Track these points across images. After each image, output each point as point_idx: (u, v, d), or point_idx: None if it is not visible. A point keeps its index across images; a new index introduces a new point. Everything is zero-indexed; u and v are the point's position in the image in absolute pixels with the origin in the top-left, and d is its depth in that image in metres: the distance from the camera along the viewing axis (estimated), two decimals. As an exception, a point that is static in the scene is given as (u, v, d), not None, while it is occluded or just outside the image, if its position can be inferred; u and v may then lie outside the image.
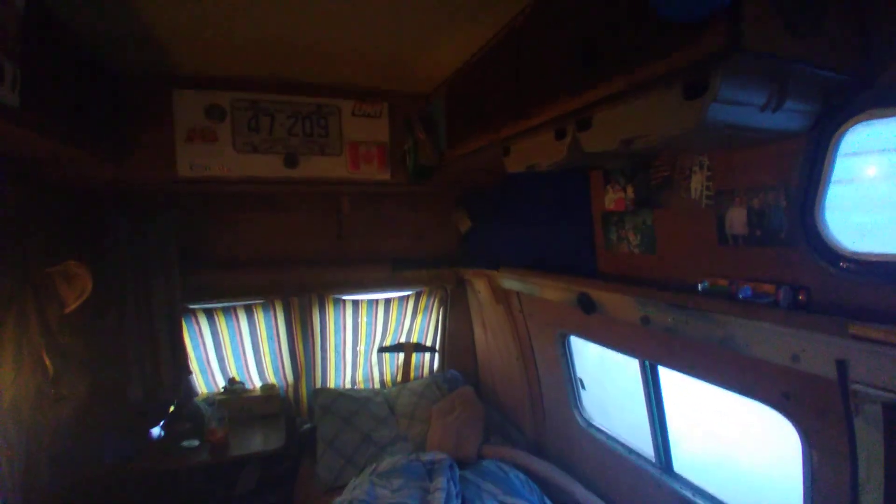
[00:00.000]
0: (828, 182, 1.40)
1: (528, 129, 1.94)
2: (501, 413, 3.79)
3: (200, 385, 3.60)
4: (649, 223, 2.07)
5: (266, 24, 2.07)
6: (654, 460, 2.42)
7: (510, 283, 3.16)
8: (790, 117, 1.35)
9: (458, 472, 2.78)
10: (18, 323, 2.12)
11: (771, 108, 1.29)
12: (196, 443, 3.10)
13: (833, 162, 1.39)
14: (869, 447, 1.29)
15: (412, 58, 2.49)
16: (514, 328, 3.44)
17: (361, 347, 3.95)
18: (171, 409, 3.28)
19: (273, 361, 3.72)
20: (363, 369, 4.00)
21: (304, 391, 3.77)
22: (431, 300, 4.09)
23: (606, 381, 2.95)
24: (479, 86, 2.37)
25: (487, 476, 2.74)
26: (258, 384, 3.69)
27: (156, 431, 3.19)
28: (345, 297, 3.80)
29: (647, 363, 2.36)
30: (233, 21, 2.02)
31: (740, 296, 1.57)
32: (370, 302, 3.89)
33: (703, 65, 1.18)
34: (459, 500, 2.53)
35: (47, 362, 2.25)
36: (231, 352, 3.62)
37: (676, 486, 2.23)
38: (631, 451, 2.57)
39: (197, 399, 3.43)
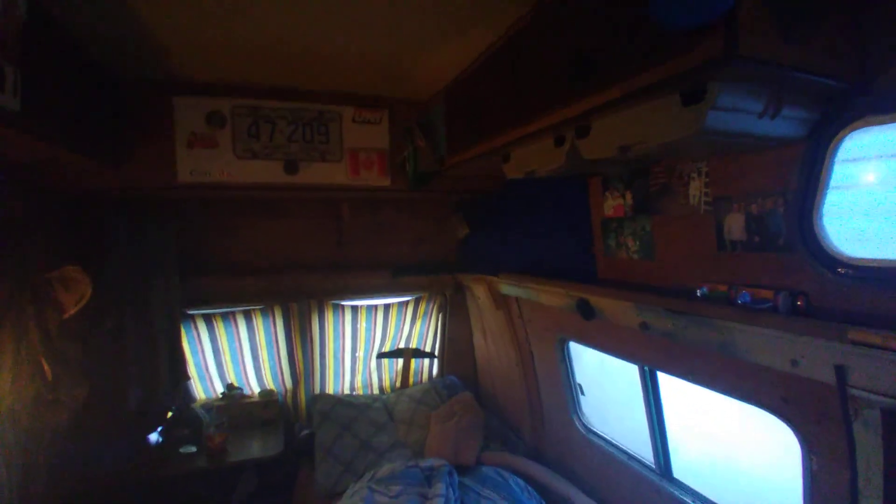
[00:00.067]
0: (826, 188, 1.41)
1: (527, 135, 1.94)
2: (501, 419, 3.78)
3: (199, 391, 3.58)
4: (648, 229, 2.08)
5: (266, 26, 2.08)
6: (653, 466, 2.41)
7: (510, 288, 3.15)
8: (788, 124, 1.37)
9: (457, 478, 2.76)
10: (17, 328, 2.11)
11: (769, 114, 1.30)
12: (194, 449, 3.09)
13: (831, 168, 1.40)
14: (868, 452, 1.29)
15: (412, 64, 2.51)
16: (514, 334, 3.43)
17: (360, 353, 3.94)
18: (170, 414, 3.26)
19: (272, 367, 3.71)
20: (362, 375, 3.99)
21: (302, 397, 3.75)
22: (431, 306, 4.09)
23: (606, 386, 2.94)
24: (479, 92, 2.38)
25: (486, 482, 2.73)
26: (257, 390, 3.68)
27: (154, 437, 3.17)
28: (344, 303, 3.80)
29: (646, 369, 2.36)
30: (232, 22, 2.03)
31: (739, 301, 1.57)
32: (369, 307, 3.88)
33: (700, 72, 1.18)
34: (458, 507, 2.51)
35: (46, 367, 2.23)
36: (230, 357, 3.60)
37: (676, 491, 2.22)
38: (630, 456, 2.56)
39: (195, 405, 3.42)
